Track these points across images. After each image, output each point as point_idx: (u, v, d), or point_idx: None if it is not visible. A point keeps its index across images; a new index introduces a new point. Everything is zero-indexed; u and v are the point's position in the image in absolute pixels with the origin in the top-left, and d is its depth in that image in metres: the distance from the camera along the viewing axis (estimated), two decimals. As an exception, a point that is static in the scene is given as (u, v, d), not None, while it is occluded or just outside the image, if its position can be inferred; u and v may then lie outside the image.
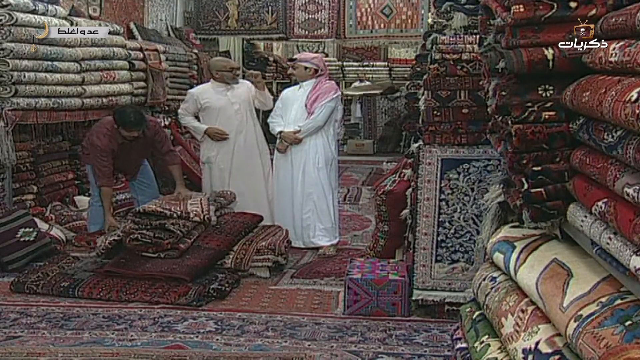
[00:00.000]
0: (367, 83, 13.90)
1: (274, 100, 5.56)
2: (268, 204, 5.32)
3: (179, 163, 5.37)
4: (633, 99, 1.34)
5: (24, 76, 4.98)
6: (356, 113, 12.77)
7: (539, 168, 1.86)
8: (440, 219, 3.51)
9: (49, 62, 5.27)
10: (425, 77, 3.51)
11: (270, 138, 5.49)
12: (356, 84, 13.97)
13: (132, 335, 3.34)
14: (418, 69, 5.18)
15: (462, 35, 3.45)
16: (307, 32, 10.36)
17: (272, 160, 5.39)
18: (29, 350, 3.11)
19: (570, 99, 1.75)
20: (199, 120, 5.42)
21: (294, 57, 5.47)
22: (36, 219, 4.85)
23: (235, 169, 5.32)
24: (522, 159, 1.90)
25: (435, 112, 3.42)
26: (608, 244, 1.49)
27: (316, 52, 10.27)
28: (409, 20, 10.00)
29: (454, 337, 2.31)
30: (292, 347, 3.22)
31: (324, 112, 5.00)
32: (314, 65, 5.08)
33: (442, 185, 3.48)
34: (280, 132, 5.10)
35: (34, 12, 5.12)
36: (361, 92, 13.06)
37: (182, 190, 5.08)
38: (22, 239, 4.48)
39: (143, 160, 5.32)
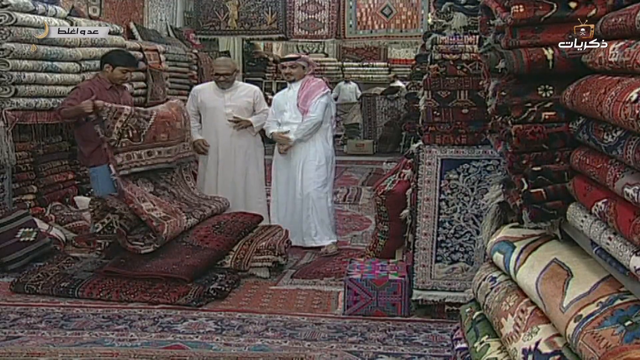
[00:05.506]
0: (352, 84, 13.52)
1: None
2: (244, 206, 5.29)
3: None
4: (633, 99, 1.34)
5: (24, 76, 4.98)
6: (354, 119, 12.55)
7: (539, 168, 1.86)
8: (440, 219, 3.51)
9: (49, 62, 5.27)
10: (425, 77, 3.51)
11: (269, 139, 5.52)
12: (341, 84, 13.45)
13: (132, 336, 3.34)
14: (418, 69, 5.18)
15: (461, 36, 3.45)
16: (307, 32, 10.36)
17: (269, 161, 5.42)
18: (28, 351, 3.10)
19: (570, 99, 1.75)
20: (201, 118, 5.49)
21: (292, 56, 5.48)
22: (36, 219, 4.85)
23: (220, 169, 5.36)
24: (522, 159, 1.90)
25: (435, 112, 3.43)
26: (608, 244, 1.49)
27: (316, 52, 10.30)
28: (409, 21, 10.01)
29: (454, 337, 2.31)
30: (292, 347, 3.22)
31: (319, 108, 5.05)
32: (308, 63, 5.24)
33: (442, 185, 3.48)
34: (272, 134, 5.17)
35: (34, 12, 5.12)
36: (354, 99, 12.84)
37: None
38: (22, 239, 4.47)
39: None
